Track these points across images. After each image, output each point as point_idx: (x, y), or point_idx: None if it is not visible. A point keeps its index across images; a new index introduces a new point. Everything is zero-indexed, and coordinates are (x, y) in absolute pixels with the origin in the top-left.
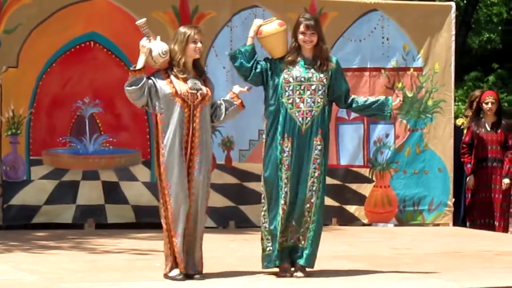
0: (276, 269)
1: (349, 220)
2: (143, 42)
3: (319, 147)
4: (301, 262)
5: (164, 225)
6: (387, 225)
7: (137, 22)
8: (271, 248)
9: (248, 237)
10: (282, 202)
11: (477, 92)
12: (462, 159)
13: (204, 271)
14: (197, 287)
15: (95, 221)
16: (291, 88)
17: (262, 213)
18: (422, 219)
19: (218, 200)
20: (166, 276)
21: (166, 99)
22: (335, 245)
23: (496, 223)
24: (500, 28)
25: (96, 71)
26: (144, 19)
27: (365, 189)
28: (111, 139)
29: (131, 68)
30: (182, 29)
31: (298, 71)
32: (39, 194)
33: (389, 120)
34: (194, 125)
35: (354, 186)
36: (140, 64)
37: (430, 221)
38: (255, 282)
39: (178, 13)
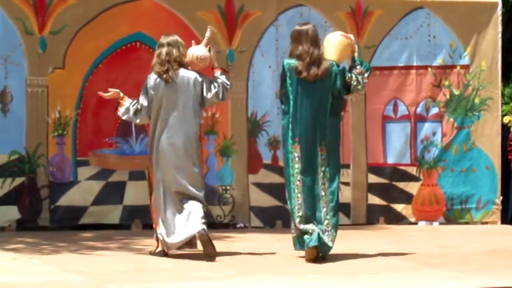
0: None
1: (397, 218)
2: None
3: None
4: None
5: None
6: (435, 224)
7: (210, 27)
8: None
9: None
10: None
11: None
12: (509, 157)
13: (250, 271)
14: (243, 286)
15: (142, 221)
16: None
17: None
18: (470, 217)
19: (265, 200)
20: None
21: None
22: (383, 244)
23: None
24: None
25: (142, 71)
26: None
27: (412, 187)
28: None
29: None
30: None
31: None
32: (86, 195)
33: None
34: None
35: (401, 184)
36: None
37: (478, 219)
38: (302, 281)
39: (223, 13)
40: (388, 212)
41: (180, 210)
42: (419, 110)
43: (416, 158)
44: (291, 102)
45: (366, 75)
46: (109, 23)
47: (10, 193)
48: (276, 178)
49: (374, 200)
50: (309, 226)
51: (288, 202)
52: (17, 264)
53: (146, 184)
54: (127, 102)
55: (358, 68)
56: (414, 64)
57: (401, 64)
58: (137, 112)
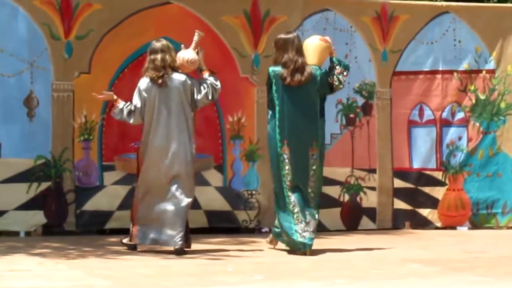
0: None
1: (422, 223)
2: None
3: None
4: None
5: None
6: (461, 229)
7: (197, 31)
8: None
9: (322, 241)
10: None
11: None
12: None
13: (278, 276)
14: None
15: None
16: None
17: None
18: (496, 222)
19: None
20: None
21: None
22: (409, 249)
23: None
24: None
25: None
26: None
27: (438, 192)
28: None
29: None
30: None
31: None
32: (112, 200)
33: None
34: None
35: (427, 189)
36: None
37: (503, 224)
38: (329, 286)
39: (249, 18)
40: (414, 217)
41: (164, 212)
42: (444, 114)
43: (442, 163)
44: (277, 107)
45: (345, 73)
46: (134, 28)
47: (36, 198)
48: None
49: (400, 204)
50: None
51: (276, 202)
52: (43, 268)
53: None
54: (121, 104)
55: (338, 68)
56: (440, 68)
57: (426, 69)
58: (130, 113)
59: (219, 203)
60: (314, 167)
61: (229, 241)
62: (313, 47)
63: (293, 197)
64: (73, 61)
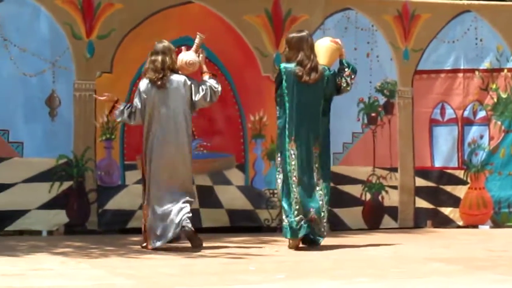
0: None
1: (444, 222)
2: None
3: None
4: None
5: None
6: (482, 227)
7: (199, 34)
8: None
9: (343, 240)
10: None
11: None
12: None
13: (300, 274)
14: None
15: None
16: None
17: None
18: None
19: None
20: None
21: None
22: (431, 248)
23: None
24: None
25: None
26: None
27: (460, 191)
28: (205, 143)
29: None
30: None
31: None
32: (134, 199)
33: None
34: None
35: (448, 188)
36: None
37: None
38: (351, 285)
39: (270, 17)
40: (435, 216)
41: (169, 210)
42: (466, 113)
43: (464, 161)
44: (287, 104)
45: (353, 76)
46: (156, 28)
47: (58, 197)
48: None
49: (422, 203)
50: (302, 218)
51: (282, 195)
52: (65, 268)
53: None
54: (121, 105)
55: (347, 70)
56: (461, 67)
57: (448, 68)
58: (131, 114)
59: (241, 202)
60: (316, 165)
61: (251, 240)
62: (324, 48)
63: (297, 193)
64: (95, 61)
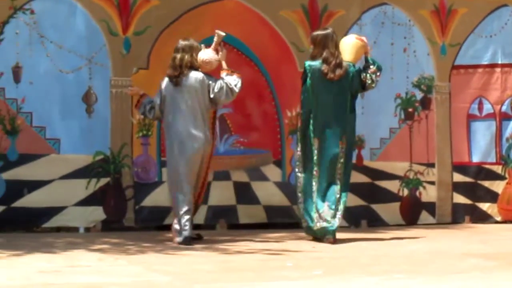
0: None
1: (482, 218)
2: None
3: None
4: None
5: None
6: None
7: (217, 31)
8: None
9: (381, 236)
10: None
11: None
12: None
13: (337, 270)
14: (330, 285)
15: (226, 221)
16: None
17: None
18: None
19: (350, 199)
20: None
21: None
22: (469, 243)
23: None
24: None
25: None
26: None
27: (497, 186)
28: (241, 139)
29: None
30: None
31: None
32: None
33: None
34: None
35: (486, 183)
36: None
37: None
38: (388, 281)
39: (307, 12)
40: (473, 211)
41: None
42: (504, 108)
43: (501, 156)
44: (312, 101)
45: (378, 73)
46: (192, 24)
47: (95, 193)
48: (360, 178)
49: (459, 199)
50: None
51: (303, 190)
52: (103, 264)
53: (230, 184)
54: (145, 100)
55: (372, 68)
56: (499, 62)
57: (485, 62)
58: (151, 109)
59: (278, 198)
60: (341, 160)
61: (288, 236)
62: (349, 45)
63: (315, 187)
64: (131, 57)
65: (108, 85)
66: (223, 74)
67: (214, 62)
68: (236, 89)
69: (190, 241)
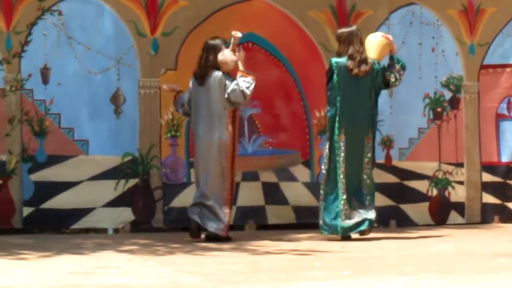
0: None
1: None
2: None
3: None
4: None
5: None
6: None
7: (234, 33)
8: None
9: (410, 236)
10: None
11: None
12: None
13: (366, 270)
14: (359, 286)
15: (255, 222)
16: None
17: None
18: None
19: (379, 199)
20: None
21: None
22: (498, 243)
23: None
24: None
25: (254, 71)
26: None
27: None
28: (270, 140)
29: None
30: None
31: None
32: None
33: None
34: None
35: None
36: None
37: None
38: (418, 281)
39: (335, 12)
40: (503, 211)
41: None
42: None
43: None
44: (338, 97)
45: (402, 72)
46: (220, 24)
47: (124, 194)
48: (389, 178)
49: (489, 199)
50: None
51: (324, 187)
52: (132, 265)
53: (258, 185)
54: (180, 96)
55: (396, 66)
56: None
57: None
58: (181, 105)
59: (306, 198)
60: (369, 155)
61: (317, 236)
62: (375, 42)
63: (344, 184)
64: (160, 58)
65: (137, 86)
66: (238, 75)
67: (230, 63)
68: (248, 92)
69: (195, 231)
